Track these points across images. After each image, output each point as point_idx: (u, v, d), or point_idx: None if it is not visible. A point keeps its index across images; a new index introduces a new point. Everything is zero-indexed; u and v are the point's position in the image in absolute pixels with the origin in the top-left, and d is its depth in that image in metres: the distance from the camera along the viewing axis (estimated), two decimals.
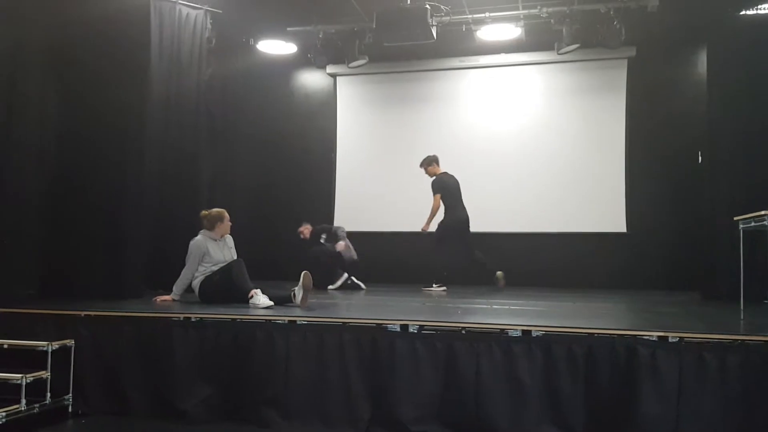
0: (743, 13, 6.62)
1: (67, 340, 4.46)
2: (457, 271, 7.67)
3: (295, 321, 4.32)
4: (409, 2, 7.33)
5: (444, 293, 7.16)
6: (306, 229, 8.21)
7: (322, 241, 7.96)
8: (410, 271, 8.69)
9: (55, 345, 4.35)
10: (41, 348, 4.30)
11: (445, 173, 7.74)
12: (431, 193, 7.61)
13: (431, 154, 7.78)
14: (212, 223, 5.60)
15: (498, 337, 3.96)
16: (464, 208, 7.68)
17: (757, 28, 6.47)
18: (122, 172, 5.75)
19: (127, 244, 5.69)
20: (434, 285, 7.40)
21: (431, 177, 7.69)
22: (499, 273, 7.51)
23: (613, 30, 7.42)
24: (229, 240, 5.72)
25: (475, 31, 8.09)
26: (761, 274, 5.90)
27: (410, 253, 8.89)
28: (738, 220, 5.46)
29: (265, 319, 4.40)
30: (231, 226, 5.72)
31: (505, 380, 3.88)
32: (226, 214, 5.69)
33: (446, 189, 7.61)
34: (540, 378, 3.85)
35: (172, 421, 4.26)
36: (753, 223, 5.22)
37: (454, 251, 7.54)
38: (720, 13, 6.71)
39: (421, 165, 7.78)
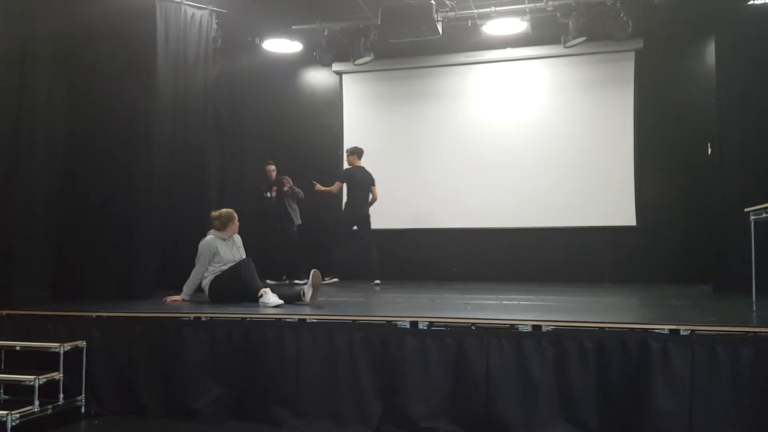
0: (751, 2, 6.56)
1: (79, 341, 4.49)
2: (356, 264, 7.88)
3: (305, 319, 4.33)
4: None
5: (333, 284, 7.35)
6: (273, 172, 8.39)
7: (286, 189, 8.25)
8: (419, 267, 8.71)
9: (67, 346, 4.38)
10: (53, 349, 4.32)
11: (360, 168, 7.92)
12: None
13: (359, 147, 8.04)
14: (224, 224, 5.61)
15: (508, 333, 3.95)
16: (365, 205, 7.88)
17: (765, 18, 6.42)
18: (131, 172, 5.78)
19: (137, 244, 5.72)
20: (326, 278, 7.41)
21: (348, 165, 8.01)
22: (377, 281, 7.65)
23: (619, 22, 7.37)
24: (238, 239, 5.73)
25: (481, 25, 8.06)
26: None
27: (418, 249, 8.91)
28: (749, 212, 5.42)
29: (276, 318, 4.41)
30: (239, 225, 5.74)
31: (515, 376, 3.87)
32: (236, 214, 5.71)
33: (351, 181, 7.84)
34: (551, 373, 3.84)
35: (184, 420, 4.28)
36: (764, 215, 5.18)
37: (349, 245, 7.76)
38: (728, 2, 6.65)
39: (346, 152, 8.10)
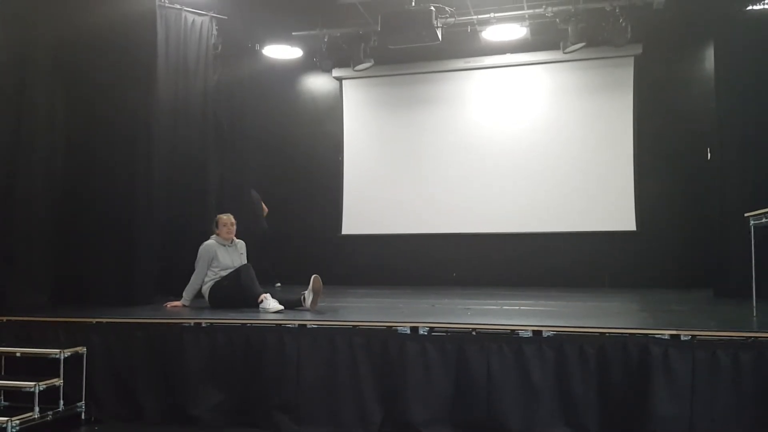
0: (750, 8, 6.58)
1: (79, 348, 4.48)
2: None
3: (305, 325, 4.33)
4: (413, 4, 7.33)
5: None
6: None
7: None
8: (419, 273, 8.70)
9: (68, 352, 4.38)
10: (54, 355, 4.32)
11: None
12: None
13: None
14: (218, 228, 5.65)
15: (509, 338, 3.95)
16: (256, 224, 8.01)
17: (763, 23, 6.44)
18: (131, 178, 5.77)
19: (137, 250, 5.71)
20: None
21: None
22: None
23: (618, 28, 7.39)
24: (241, 246, 5.74)
25: (480, 31, 8.08)
26: None
27: (419, 255, 8.90)
28: (749, 216, 5.42)
29: (276, 324, 4.41)
30: (237, 231, 5.73)
31: (516, 381, 3.87)
32: (223, 218, 5.68)
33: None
34: (552, 378, 3.84)
35: (184, 426, 4.27)
36: (764, 219, 5.18)
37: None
38: (726, 8, 6.68)
39: None
